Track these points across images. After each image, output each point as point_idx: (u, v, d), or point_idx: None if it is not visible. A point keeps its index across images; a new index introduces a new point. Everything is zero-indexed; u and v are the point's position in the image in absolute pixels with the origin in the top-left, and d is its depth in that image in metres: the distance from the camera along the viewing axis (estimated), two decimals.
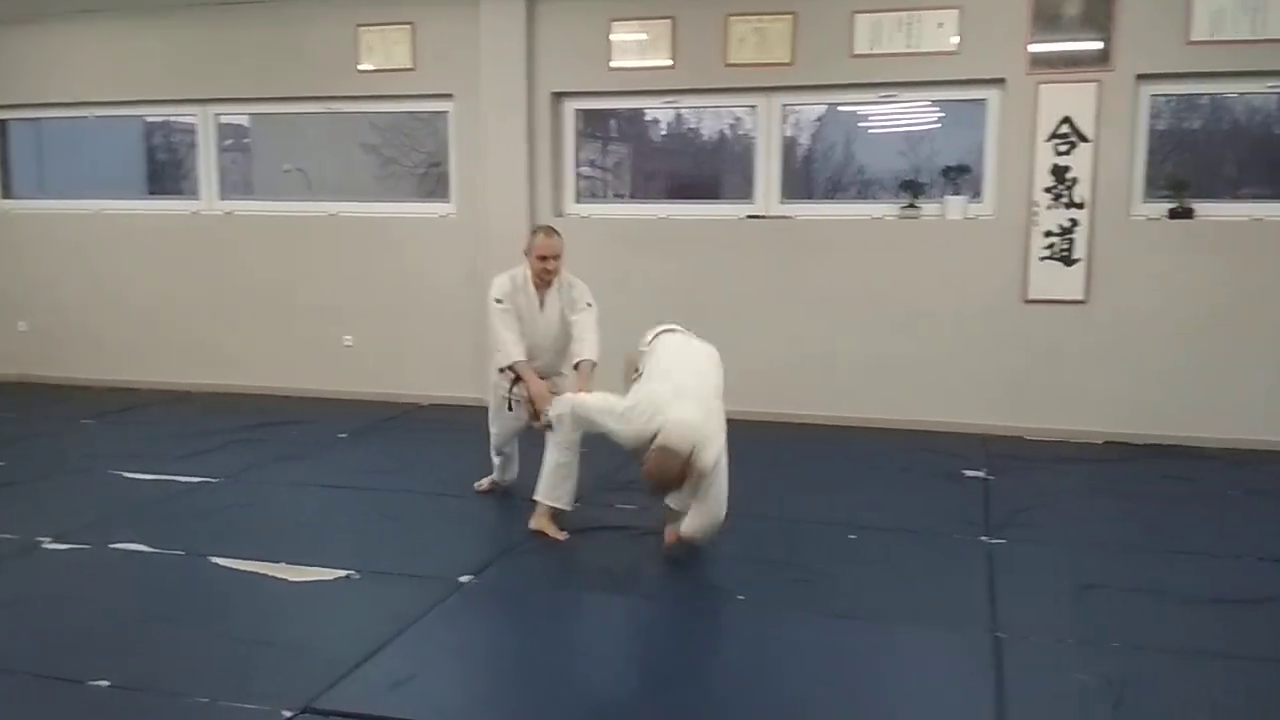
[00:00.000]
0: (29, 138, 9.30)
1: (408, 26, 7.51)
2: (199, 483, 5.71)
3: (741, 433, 6.74)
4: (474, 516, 5.20)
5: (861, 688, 3.44)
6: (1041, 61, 6.49)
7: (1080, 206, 6.51)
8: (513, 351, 4.91)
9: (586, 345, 5.00)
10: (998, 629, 3.78)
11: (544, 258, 4.97)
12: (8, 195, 8.93)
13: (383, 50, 7.59)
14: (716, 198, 7.99)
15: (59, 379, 8.52)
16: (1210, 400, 6.47)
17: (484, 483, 5.50)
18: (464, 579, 4.28)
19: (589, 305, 5.10)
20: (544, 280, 5.03)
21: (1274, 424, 6.37)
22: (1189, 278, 6.45)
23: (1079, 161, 6.48)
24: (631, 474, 5.69)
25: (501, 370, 5.03)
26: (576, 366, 5.01)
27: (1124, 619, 3.92)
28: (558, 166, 7.54)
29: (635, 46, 7.17)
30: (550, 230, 5.13)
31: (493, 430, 5.26)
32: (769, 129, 7.18)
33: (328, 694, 3.29)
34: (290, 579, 4.28)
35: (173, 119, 9.24)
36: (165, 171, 9.89)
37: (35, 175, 9.48)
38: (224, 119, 8.42)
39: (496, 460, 5.41)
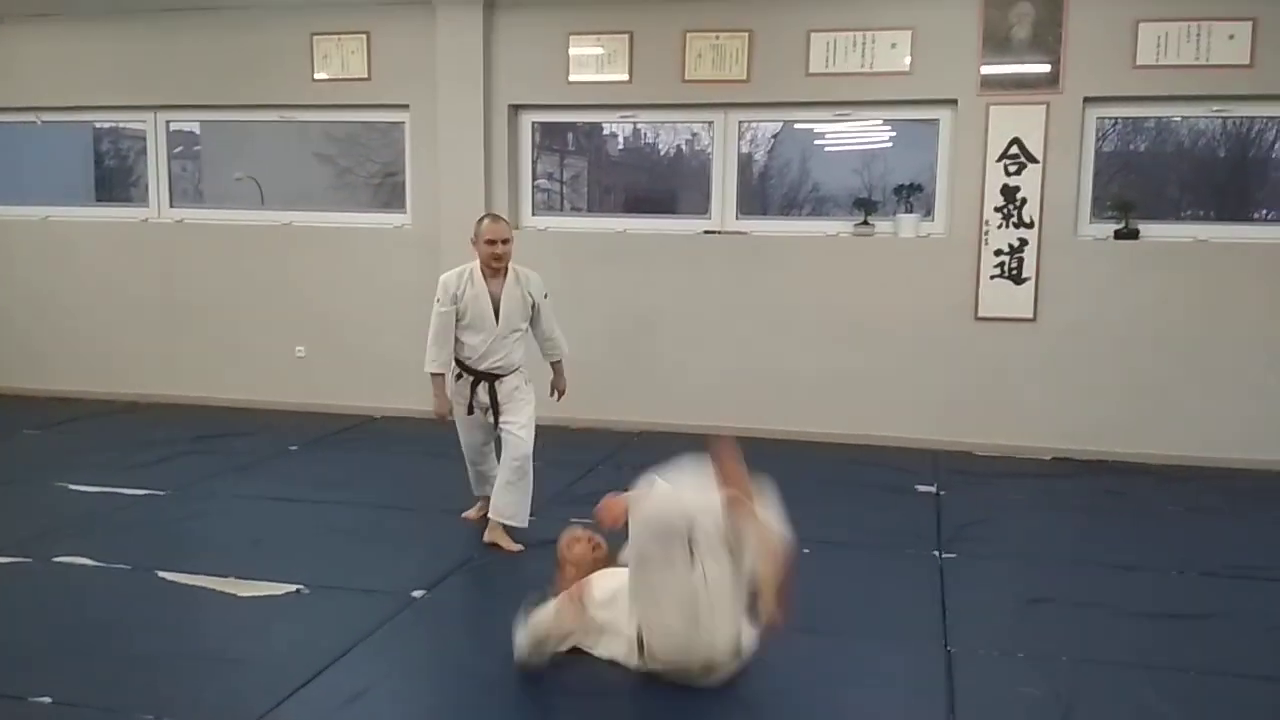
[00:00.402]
0: None
1: (363, 36, 7.47)
2: (146, 495, 5.61)
3: (696, 447, 6.79)
4: (427, 531, 5.15)
5: (814, 701, 3.46)
6: (992, 83, 6.61)
7: (1029, 226, 6.63)
8: (431, 361, 4.92)
9: (558, 344, 5.16)
10: (949, 643, 3.83)
11: (492, 241, 4.79)
12: None
13: (338, 59, 7.54)
14: (673, 212, 8.03)
15: (1, 388, 8.32)
16: (1154, 417, 6.61)
17: (471, 512, 5.22)
18: (416, 594, 4.24)
19: (545, 296, 5.06)
20: (494, 268, 4.85)
21: (1214, 441, 6.52)
22: (1134, 297, 6.59)
23: (1028, 182, 6.60)
24: (586, 488, 5.69)
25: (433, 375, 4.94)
26: (554, 366, 5.20)
27: (1071, 633, 3.98)
28: (515, 179, 7.53)
29: (593, 61, 7.19)
30: (496, 215, 5.06)
31: (462, 442, 5.10)
32: (725, 145, 7.23)
33: (277, 710, 3.25)
34: (239, 594, 4.22)
35: (122, 125, 9.11)
36: (114, 178, 9.74)
37: None
38: (175, 126, 8.30)
39: (473, 476, 5.17)
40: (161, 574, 4.41)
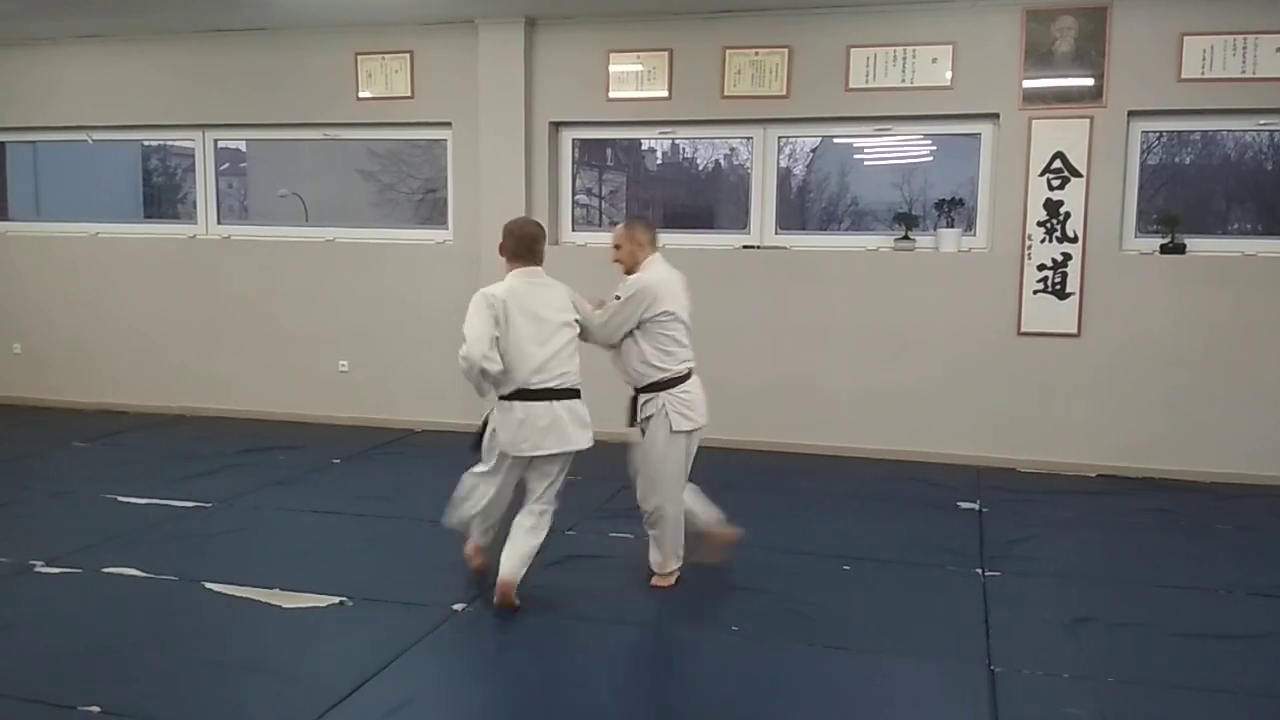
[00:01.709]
0: (26, 160, 9.34)
1: (406, 55, 7.57)
2: (192, 507, 5.69)
3: (735, 461, 6.81)
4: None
5: (855, 719, 3.44)
6: (1034, 97, 6.57)
7: (1073, 240, 6.57)
8: None
9: None
10: (992, 662, 3.79)
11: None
12: (4, 217, 8.95)
13: (382, 78, 7.65)
14: (712, 227, 8.04)
15: (52, 401, 8.50)
16: (1202, 434, 6.50)
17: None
18: (457, 607, 4.27)
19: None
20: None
21: (1265, 458, 6.40)
22: (1180, 312, 6.50)
23: (1071, 196, 6.55)
24: (623, 502, 5.70)
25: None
26: None
27: (1117, 652, 3.93)
28: (555, 195, 7.58)
29: (633, 77, 7.23)
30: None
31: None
32: (764, 160, 7.24)
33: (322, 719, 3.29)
34: (283, 605, 4.27)
35: (170, 143, 9.29)
36: (162, 196, 9.93)
37: (32, 198, 9.51)
38: (222, 144, 8.45)
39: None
40: (208, 585, 4.47)
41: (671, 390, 4.37)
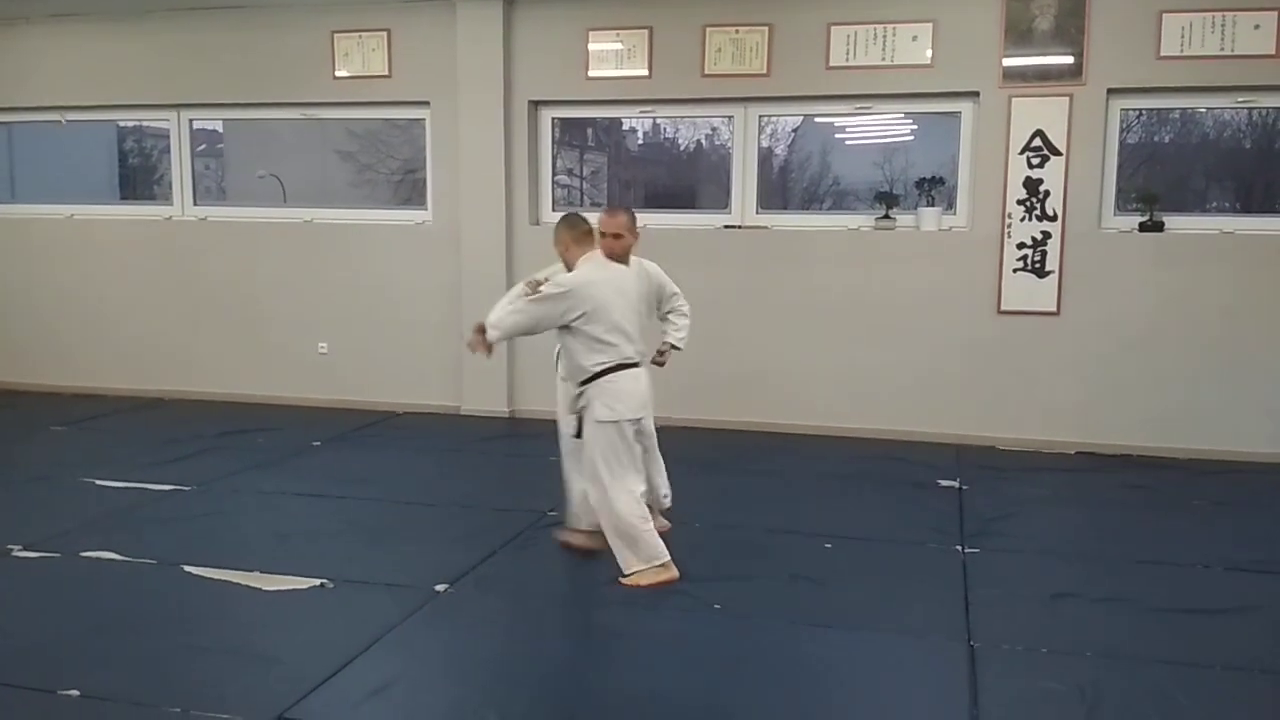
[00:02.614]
0: (0, 142, 9.20)
1: (384, 33, 7.50)
2: (171, 490, 5.66)
3: (716, 441, 6.83)
4: (449, 525, 5.17)
5: (837, 696, 3.46)
6: (1014, 75, 6.56)
7: (1053, 219, 6.59)
8: None
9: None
10: (972, 638, 3.81)
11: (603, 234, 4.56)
12: None
13: (359, 57, 7.58)
14: (693, 207, 8.02)
15: (28, 385, 8.41)
16: (1180, 412, 6.55)
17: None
18: (440, 588, 4.26)
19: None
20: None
21: (1242, 436, 6.46)
22: (1159, 290, 6.53)
23: (1051, 174, 6.56)
24: None
25: None
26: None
27: (1095, 628, 3.96)
28: (535, 174, 7.54)
29: (613, 56, 7.19)
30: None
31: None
32: (745, 139, 7.22)
33: (302, 703, 3.28)
34: (264, 588, 4.25)
35: (145, 124, 9.18)
36: (138, 177, 9.81)
37: (7, 180, 9.38)
38: (198, 124, 8.35)
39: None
40: (187, 568, 4.45)
41: (598, 382, 4.27)
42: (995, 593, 4.28)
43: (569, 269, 4.42)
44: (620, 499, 4.18)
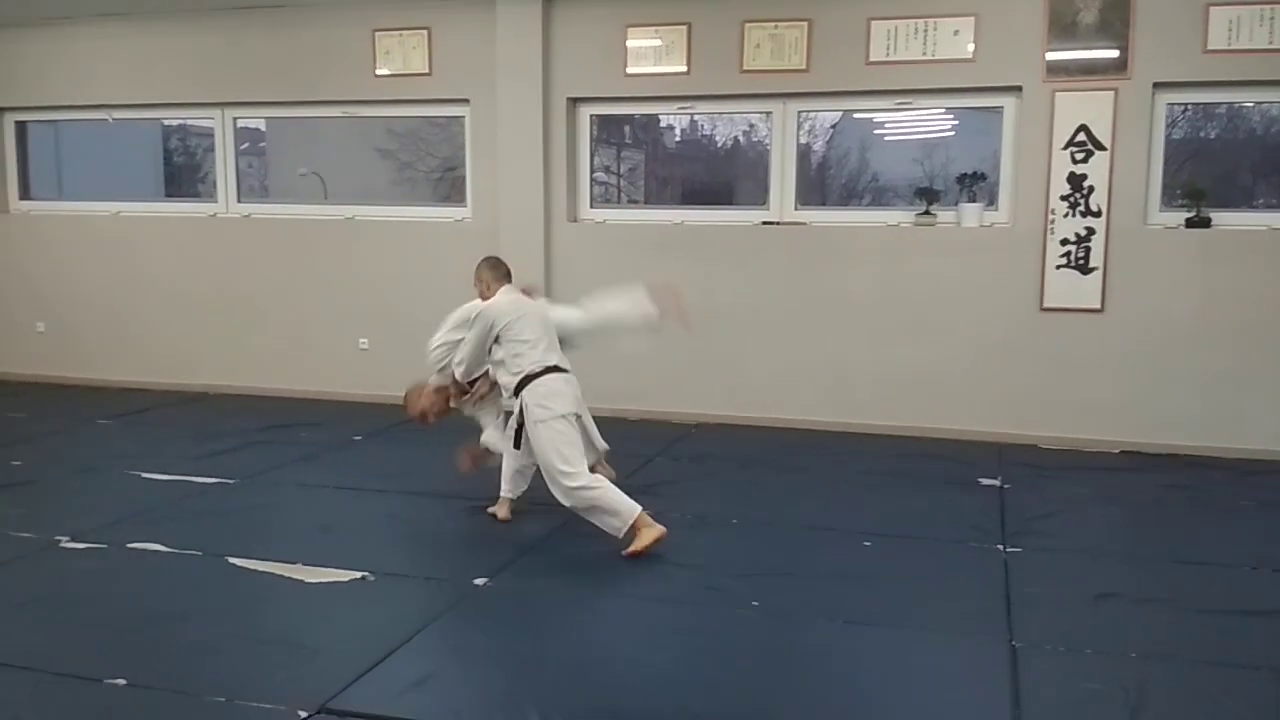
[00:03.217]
0: (48, 140, 9.38)
1: (424, 32, 7.55)
2: (215, 483, 5.74)
3: (755, 439, 6.81)
4: (487, 519, 5.20)
5: (876, 695, 3.44)
6: (1058, 69, 6.49)
7: (1097, 215, 6.50)
8: None
9: None
10: (1014, 638, 3.77)
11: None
12: (26, 196, 8.99)
13: (400, 55, 7.63)
14: (731, 203, 8.01)
15: (76, 379, 8.57)
16: (1226, 410, 6.44)
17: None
18: (479, 581, 4.29)
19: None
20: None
21: None
22: (1206, 287, 6.43)
23: (1095, 170, 6.47)
24: (644, 479, 5.71)
25: None
26: None
27: (1140, 629, 3.90)
28: (573, 171, 7.56)
29: (651, 52, 7.18)
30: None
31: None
32: (784, 135, 7.19)
33: (343, 694, 3.31)
34: (306, 580, 4.30)
35: (190, 122, 9.32)
36: (182, 175, 9.97)
37: (54, 177, 9.56)
38: (241, 123, 8.46)
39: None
40: (231, 560, 4.51)
41: (530, 386, 4.74)
42: (1037, 592, 4.24)
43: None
44: (581, 478, 4.62)
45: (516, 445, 4.88)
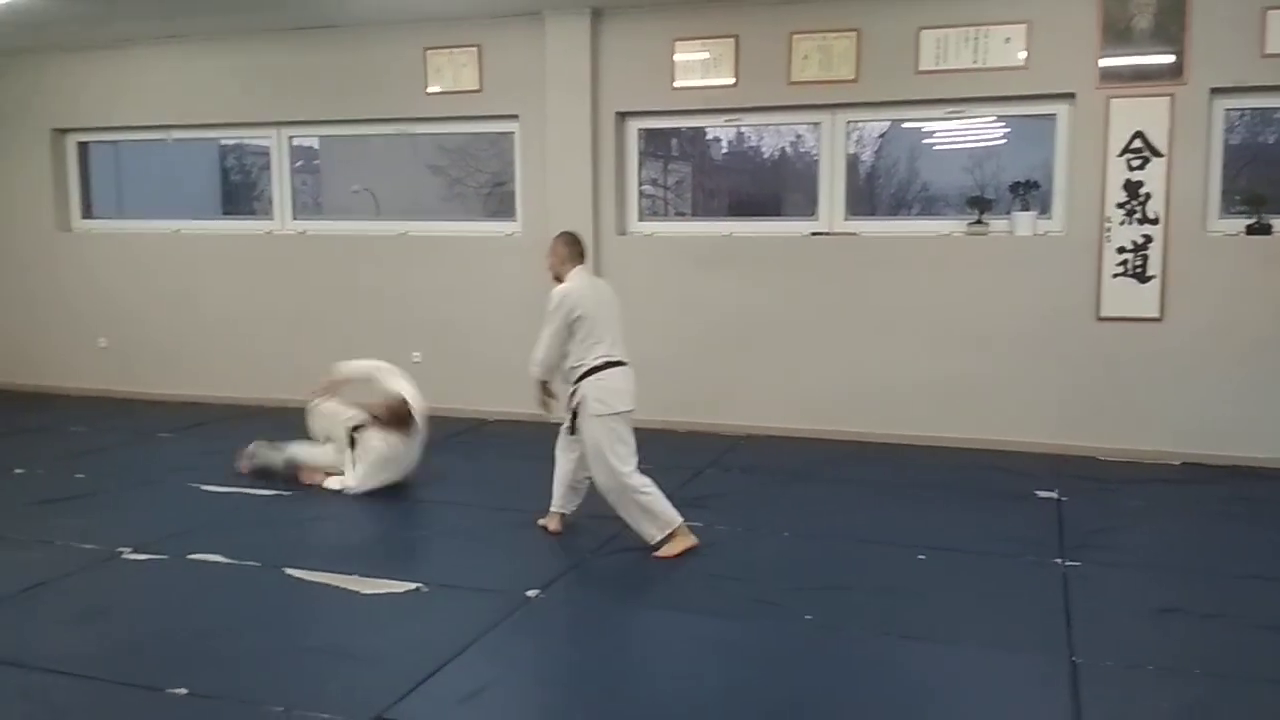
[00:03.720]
0: (108, 159, 9.61)
1: (474, 48, 7.63)
2: (273, 495, 5.83)
3: (807, 451, 6.78)
4: (539, 531, 5.22)
5: (933, 713, 3.39)
6: (1112, 76, 6.40)
7: (1154, 222, 6.39)
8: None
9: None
10: (1074, 653, 3.71)
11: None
12: (88, 215, 9.22)
13: (450, 72, 7.72)
14: (778, 215, 7.98)
15: (136, 394, 8.75)
16: None
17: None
18: (531, 593, 4.30)
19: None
20: None
21: None
22: (1267, 294, 6.28)
23: (1152, 177, 6.37)
24: (693, 491, 5.69)
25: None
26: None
27: (1204, 645, 3.82)
28: (621, 185, 7.59)
29: (698, 66, 7.20)
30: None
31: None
32: (833, 146, 7.16)
33: (398, 705, 3.34)
34: (362, 591, 4.34)
35: (246, 141, 9.50)
36: (238, 192, 10.16)
37: (114, 196, 9.79)
38: (295, 141, 8.60)
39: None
40: (288, 571, 4.57)
41: (591, 379, 4.75)
42: (1098, 607, 4.16)
43: (558, 280, 4.97)
44: (631, 476, 4.71)
45: (572, 432, 4.86)
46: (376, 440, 5.80)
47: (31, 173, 9.00)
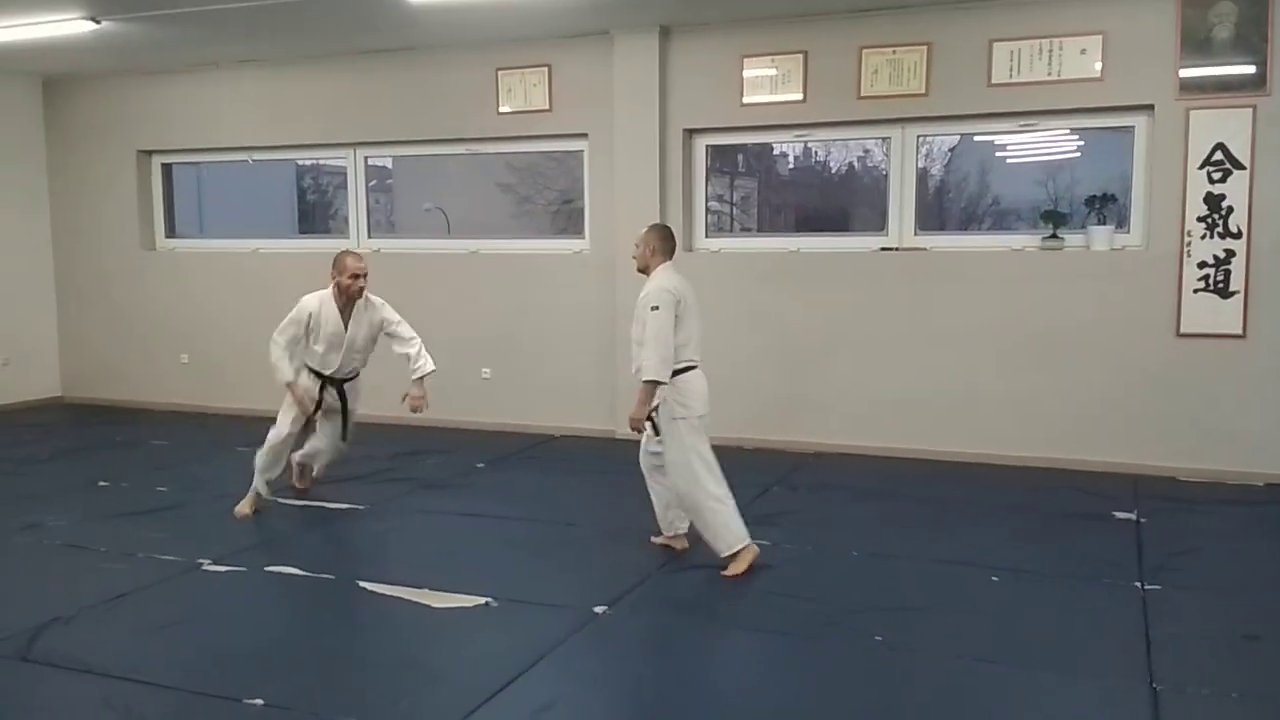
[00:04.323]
0: (190, 180, 9.91)
1: (545, 68, 7.73)
2: (347, 509, 5.93)
3: (878, 469, 6.71)
4: (607, 547, 5.24)
5: None
6: (1192, 86, 6.25)
7: (1237, 236, 6.22)
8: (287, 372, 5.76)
9: (422, 360, 5.91)
10: (1154, 680, 3.61)
11: (355, 276, 5.73)
12: (171, 235, 9.50)
13: (521, 92, 7.82)
14: (845, 230, 7.93)
15: (217, 408, 8.98)
16: None
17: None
18: (598, 609, 4.32)
19: (400, 320, 5.96)
20: (351, 296, 5.78)
21: None
22: None
23: (1234, 190, 6.20)
24: (762, 509, 5.66)
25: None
26: (420, 380, 5.87)
27: None
28: (688, 202, 7.61)
29: (767, 82, 7.20)
30: (357, 253, 5.95)
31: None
32: (902, 160, 7.10)
33: (471, 717, 3.37)
34: (432, 605, 4.39)
35: (321, 162, 9.72)
36: (314, 212, 10.39)
37: (196, 216, 10.09)
38: (370, 161, 8.78)
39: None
40: (362, 584, 4.65)
41: (674, 381, 4.70)
42: (1179, 632, 4.05)
43: (643, 272, 4.90)
44: (709, 486, 4.69)
45: (656, 432, 4.83)
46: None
47: (118, 193, 9.32)
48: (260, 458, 5.81)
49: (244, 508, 5.78)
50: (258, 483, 5.80)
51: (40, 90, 9.42)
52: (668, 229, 5.04)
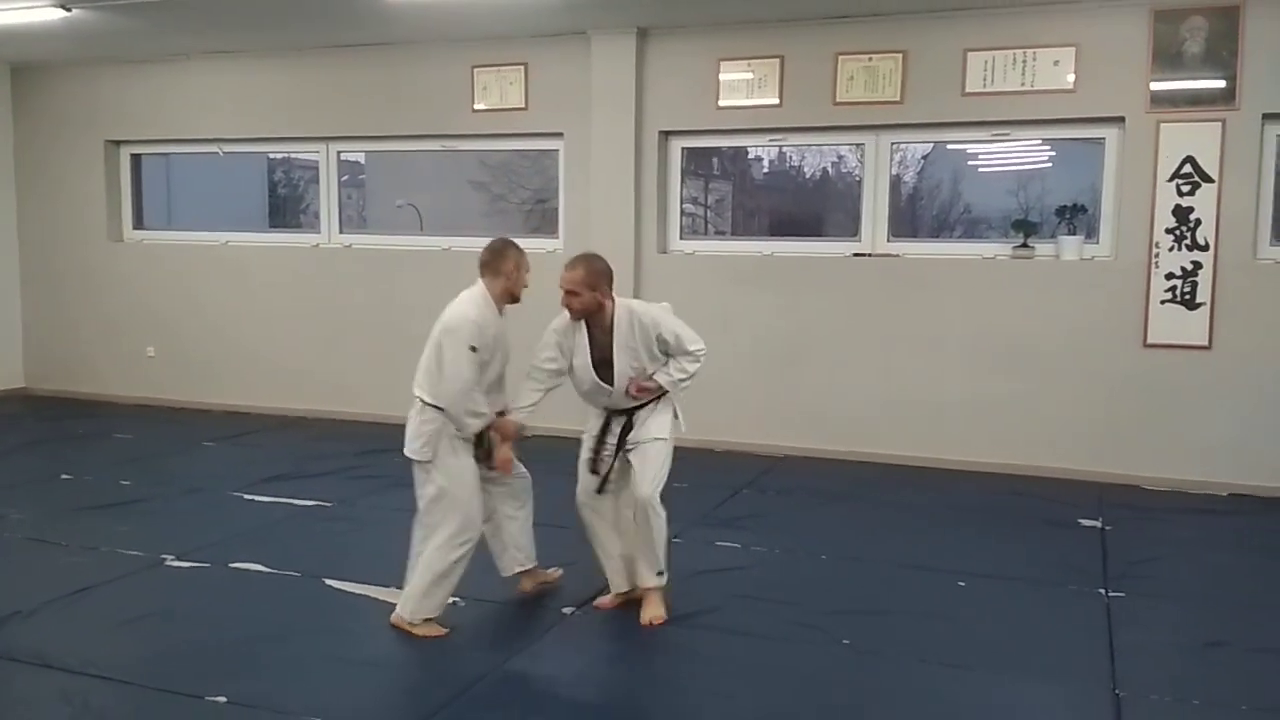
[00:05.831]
0: (159, 172, 9.80)
1: (521, 67, 7.70)
2: (315, 506, 5.88)
3: (845, 473, 6.73)
4: (578, 549, 5.20)
5: None
6: (1163, 100, 6.33)
7: (1204, 248, 6.30)
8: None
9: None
10: (1117, 686, 3.65)
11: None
12: (140, 226, 9.39)
13: (497, 90, 7.79)
14: (819, 235, 7.97)
15: (183, 402, 8.88)
16: None
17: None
18: (566, 610, 4.31)
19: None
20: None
21: None
22: None
23: (1203, 202, 6.28)
24: (730, 511, 5.67)
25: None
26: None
27: (1251, 679, 3.74)
28: (663, 203, 7.61)
29: (743, 85, 7.21)
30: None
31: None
32: (876, 167, 7.14)
33: (436, 717, 3.35)
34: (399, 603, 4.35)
35: (293, 156, 9.64)
36: (285, 206, 10.30)
37: (165, 208, 9.97)
38: (342, 156, 8.71)
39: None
40: (328, 581, 4.61)
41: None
42: (1142, 639, 4.09)
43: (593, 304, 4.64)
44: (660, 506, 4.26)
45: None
46: None
47: (86, 184, 9.19)
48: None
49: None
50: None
51: (9, 78, 9.27)
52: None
